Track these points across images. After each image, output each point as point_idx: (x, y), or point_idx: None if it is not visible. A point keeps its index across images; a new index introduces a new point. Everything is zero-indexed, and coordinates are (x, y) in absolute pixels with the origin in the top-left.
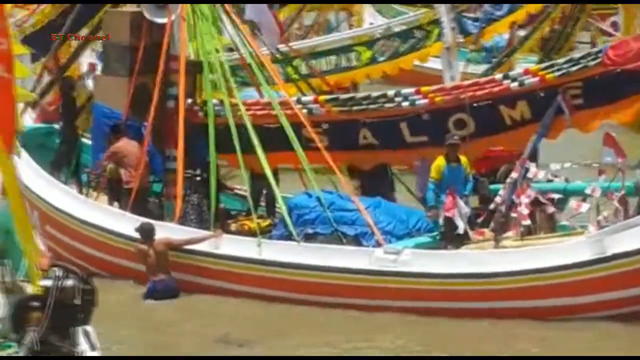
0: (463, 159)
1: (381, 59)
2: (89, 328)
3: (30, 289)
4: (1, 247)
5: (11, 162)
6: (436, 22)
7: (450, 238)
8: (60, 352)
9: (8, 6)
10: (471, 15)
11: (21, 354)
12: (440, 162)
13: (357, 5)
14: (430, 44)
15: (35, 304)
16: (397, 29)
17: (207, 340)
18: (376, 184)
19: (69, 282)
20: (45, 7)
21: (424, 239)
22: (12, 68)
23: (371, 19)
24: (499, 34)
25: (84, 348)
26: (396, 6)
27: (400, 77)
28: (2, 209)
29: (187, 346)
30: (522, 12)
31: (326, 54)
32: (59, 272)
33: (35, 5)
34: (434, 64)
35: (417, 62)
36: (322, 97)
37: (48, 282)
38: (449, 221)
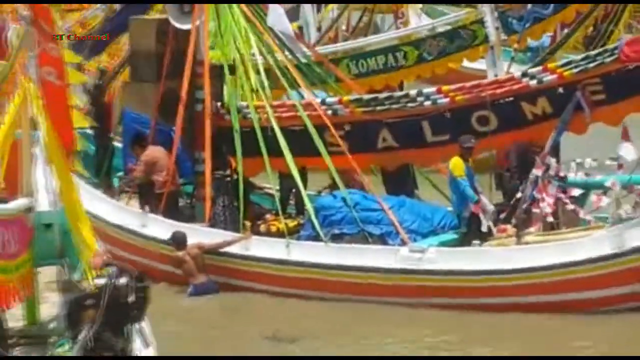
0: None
1: (429, 58)
2: (143, 325)
3: (85, 288)
4: (60, 247)
5: (67, 167)
6: (480, 22)
7: (474, 235)
8: (114, 349)
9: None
10: (516, 14)
11: (75, 351)
12: (459, 161)
13: (404, 5)
14: (477, 44)
15: (90, 302)
16: (441, 29)
17: (257, 338)
18: (399, 183)
19: (122, 280)
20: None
21: (449, 236)
22: (64, 75)
23: (417, 20)
24: (547, 34)
25: (138, 345)
26: (442, 8)
27: (447, 77)
28: (60, 211)
29: (238, 345)
30: (571, 10)
31: (374, 54)
32: (112, 270)
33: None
34: (479, 64)
35: (463, 63)
36: (345, 98)
37: (102, 281)
38: (475, 218)
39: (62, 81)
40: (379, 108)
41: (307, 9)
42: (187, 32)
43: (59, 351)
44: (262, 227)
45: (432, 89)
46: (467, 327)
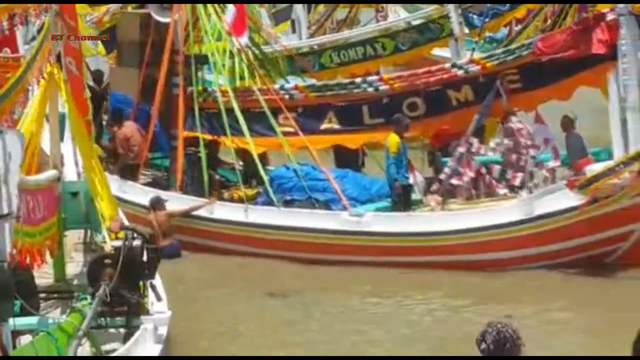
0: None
1: (404, 48)
2: (155, 282)
3: (105, 248)
4: (85, 213)
5: (89, 143)
6: (446, 17)
7: (401, 204)
8: (130, 302)
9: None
10: (477, 11)
11: (94, 304)
12: (395, 138)
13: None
14: (444, 36)
15: (108, 261)
16: (416, 22)
17: (254, 295)
18: (348, 158)
19: (137, 242)
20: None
21: (384, 203)
22: (82, 67)
23: (395, 15)
24: (504, 27)
25: (151, 299)
26: (421, 6)
27: (418, 63)
28: (85, 181)
29: (237, 302)
30: (523, 9)
31: (354, 45)
32: (128, 233)
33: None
34: (445, 52)
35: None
36: (301, 84)
37: (119, 243)
38: (404, 188)
39: (80, 72)
40: (328, 93)
41: (298, 8)
42: (167, 24)
43: (81, 304)
44: (226, 195)
45: (375, 77)
46: (437, 286)
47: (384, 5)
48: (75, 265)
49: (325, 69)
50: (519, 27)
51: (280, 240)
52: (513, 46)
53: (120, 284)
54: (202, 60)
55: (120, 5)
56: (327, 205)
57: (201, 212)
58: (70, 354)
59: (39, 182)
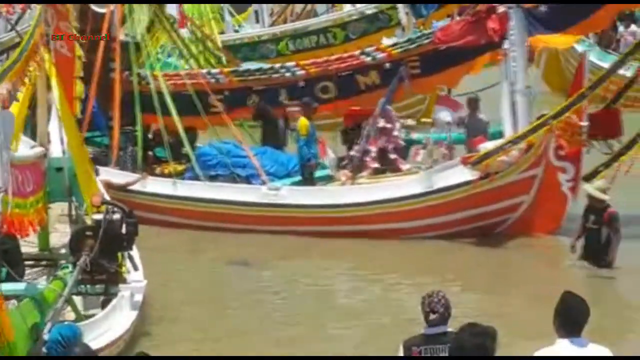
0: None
1: (354, 37)
2: (132, 252)
3: (87, 221)
4: (69, 187)
5: (73, 121)
6: (395, 8)
7: (310, 180)
8: (108, 271)
9: None
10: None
11: (75, 273)
12: (305, 121)
13: None
14: (393, 25)
15: (89, 233)
16: (369, 12)
17: (222, 263)
18: (272, 137)
19: (116, 216)
20: None
21: (299, 178)
22: (74, 49)
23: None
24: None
25: (128, 268)
26: None
27: None
28: (69, 158)
29: (207, 271)
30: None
31: (309, 34)
32: (108, 207)
33: None
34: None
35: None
36: (226, 70)
37: (99, 216)
38: (308, 167)
39: (72, 53)
40: (250, 77)
41: None
42: (103, 14)
43: (63, 272)
44: (158, 170)
45: (293, 63)
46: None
47: None
48: (59, 235)
49: (282, 55)
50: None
51: (205, 212)
52: (415, 35)
53: (100, 254)
54: (137, 47)
55: None
56: (247, 180)
57: (135, 186)
58: (53, 318)
59: (27, 158)
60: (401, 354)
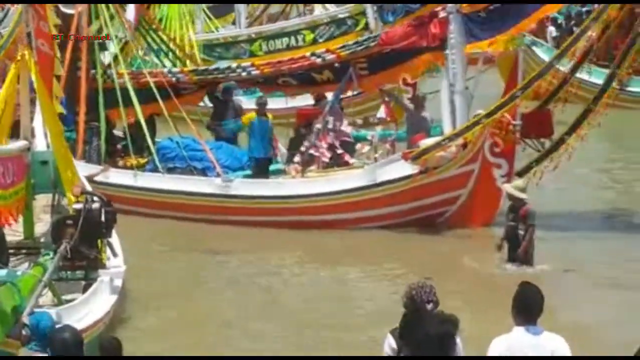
0: (269, 115)
1: (321, 40)
2: (111, 240)
3: (68, 210)
4: (53, 179)
5: (56, 118)
6: (363, 13)
7: (260, 173)
8: (89, 258)
9: None
10: (390, 8)
11: (56, 259)
12: (251, 115)
13: None
14: (360, 29)
15: (70, 221)
16: (339, 17)
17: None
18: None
19: (95, 205)
20: None
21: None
22: (53, 47)
23: (322, 10)
24: None
25: (108, 255)
26: None
27: None
28: (51, 152)
29: (181, 261)
30: (430, 7)
31: (280, 36)
32: (88, 197)
33: None
34: None
35: None
36: (186, 68)
37: (79, 205)
38: (261, 161)
39: (52, 51)
40: (209, 77)
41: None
42: (72, 15)
43: (43, 259)
44: (120, 162)
45: (249, 63)
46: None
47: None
48: (43, 225)
49: (255, 56)
50: None
51: (163, 202)
52: (362, 38)
53: (80, 241)
54: (103, 47)
55: None
56: (203, 172)
57: (99, 178)
58: (32, 301)
59: (9, 151)
60: (389, 343)
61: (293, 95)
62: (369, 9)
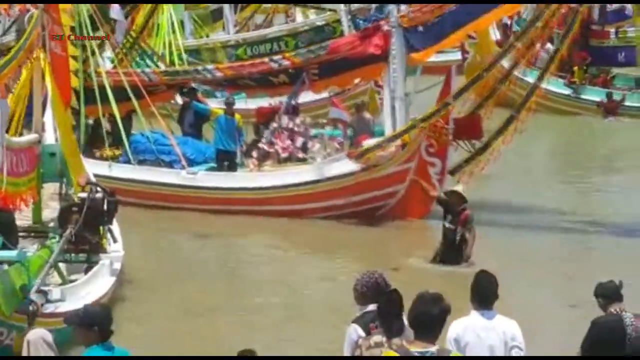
0: (237, 115)
1: (302, 45)
2: (112, 227)
3: (75, 199)
4: (60, 170)
5: (65, 114)
6: (338, 21)
7: (223, 164)
8: (91, 242)
9: None
10: (363, 17)
11: (61, 243)
12: (219, 111)
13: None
14: (336, 36)
15: (75, 209)
16: (318, 24)
17: (182, 237)
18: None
19: (99, 195)
20: None
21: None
22: (67, 48)
23: (302, 17)
24: None
25: (108, 240)
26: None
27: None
28: (59, 145)
29: (167, 243)
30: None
31: (264, 42)
32: (92, 187)
33: None
34: None
35: None
36: (157, 69)
37: (84, 194)
38: (226, 153)
39: (65, 53)
40: (178, 77)
41: (226, 9)
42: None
43: (50, 242)
44: (97, 154)
45: (213, 66)
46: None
47: (294, 12)
48: (51, 211)
49: (240, 60)
50: None
51: (134, 191)
52: (314, 47)
53: (83, 227)
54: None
55: None
56: (170, 164)
57: None
58: (40, 280)
59: (21, 143)
60: (357, 333)
61: (252, 96)
62: (344, 17)
